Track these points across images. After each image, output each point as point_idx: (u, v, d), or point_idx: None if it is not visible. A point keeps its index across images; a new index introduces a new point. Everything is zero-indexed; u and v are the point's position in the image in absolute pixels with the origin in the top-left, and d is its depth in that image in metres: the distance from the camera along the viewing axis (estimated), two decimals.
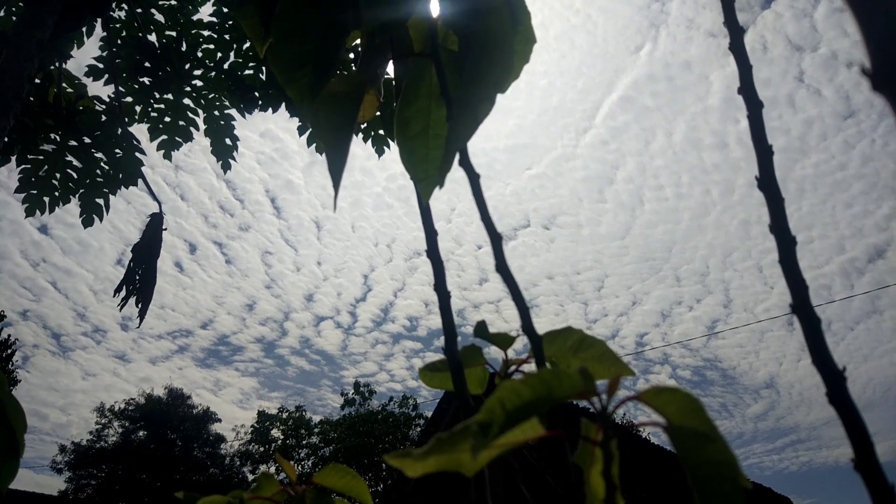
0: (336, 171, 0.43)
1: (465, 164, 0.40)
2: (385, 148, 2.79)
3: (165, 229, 2.87)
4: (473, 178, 0.40)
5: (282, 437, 26.48)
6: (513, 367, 0.46)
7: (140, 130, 2.84)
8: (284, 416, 26.83)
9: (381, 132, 2.70)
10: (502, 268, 0.35)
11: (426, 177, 0.48)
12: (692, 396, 0.27)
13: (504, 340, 0.43)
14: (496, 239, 0.37)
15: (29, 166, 2.62)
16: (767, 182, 0.34)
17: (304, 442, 26.41)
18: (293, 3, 0.42)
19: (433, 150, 0.48)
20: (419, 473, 0.26)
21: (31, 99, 2.54)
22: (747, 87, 0.35)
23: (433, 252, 0.45)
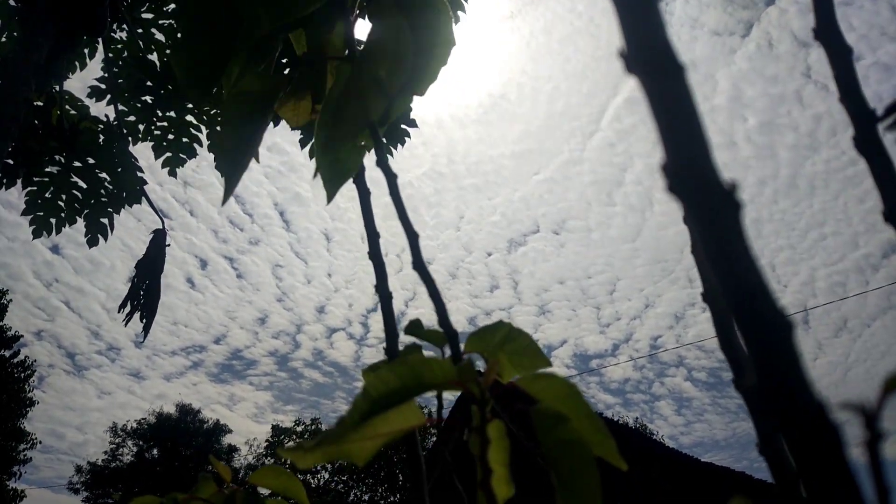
0: (230, 168, 0.44)
1: (383, 165, 0.41)
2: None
3: (168, 245, 2.92)
4: (390, 178, 0.41)
5: None
6: None
7: (146, 147, 2.89)
8: (300, 429, 26.84)
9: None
10: (419, 265, 0.37)
11: (332, 177, 0.49)
12: (567, 382, 0.28)
13: (438, 338, 0.44)
14: (413, 237, 0.38)
15: (35, 188, 2.67)
16: None
17: None
18: (193, 4, 0.43)
19: (343, 153, 0.49)
20: (310, 465, 0.27)
21: (36, 122, 2.60)
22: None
23: (375, 254, 0.47)
